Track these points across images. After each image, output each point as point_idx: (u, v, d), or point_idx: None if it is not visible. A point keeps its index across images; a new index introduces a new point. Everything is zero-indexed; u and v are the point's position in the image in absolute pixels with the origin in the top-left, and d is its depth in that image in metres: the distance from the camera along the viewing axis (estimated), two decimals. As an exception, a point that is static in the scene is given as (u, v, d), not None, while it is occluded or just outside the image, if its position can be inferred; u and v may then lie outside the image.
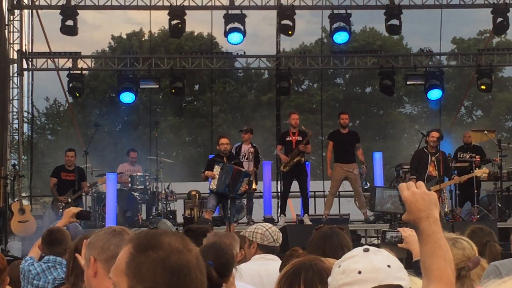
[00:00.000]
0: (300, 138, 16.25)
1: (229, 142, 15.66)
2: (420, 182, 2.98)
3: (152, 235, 2.45)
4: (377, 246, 3.12)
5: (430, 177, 15.39)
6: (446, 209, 16.00)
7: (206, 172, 15.26)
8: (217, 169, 14.91)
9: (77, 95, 21.22)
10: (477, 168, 16.44)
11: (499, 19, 20.21)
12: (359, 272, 2.72)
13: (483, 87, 21.09)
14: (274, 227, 6.53)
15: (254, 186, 16.75)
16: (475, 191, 16.85)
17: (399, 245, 4.56)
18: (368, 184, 17.42)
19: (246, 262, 6.18)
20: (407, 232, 4.78)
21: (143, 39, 44.25)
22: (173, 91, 21.09)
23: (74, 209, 5.80)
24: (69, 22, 19.69)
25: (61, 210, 16.20)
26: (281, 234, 6.43)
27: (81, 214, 5.93)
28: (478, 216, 16.78)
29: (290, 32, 20.38)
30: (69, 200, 16.48)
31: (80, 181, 16.83)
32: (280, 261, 5.34)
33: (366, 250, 2.79)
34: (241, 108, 45.13)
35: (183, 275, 2.36)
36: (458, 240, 4.72)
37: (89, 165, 17.65)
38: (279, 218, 16.84)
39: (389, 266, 2.74)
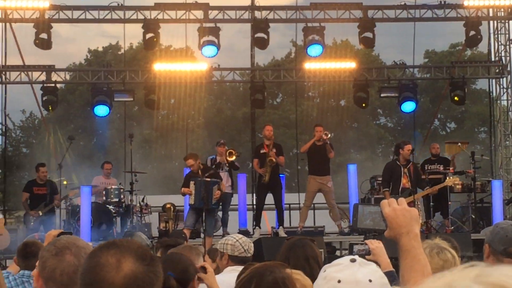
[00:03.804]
0: (274, 150, 16.28)
1: (195, 160, 15.43)
2: (401, 199, 3.01)
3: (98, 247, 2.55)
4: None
5: (404, 189, 15.43)
6: (420, 221, 16.02)
7: (183, 189, 15.36)
8: (192, 185, 14.97)
9: (50, 108, 20.97)
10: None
11: (472, 32, 20.30)
12: (339, 281, 2.71)
13: (456, 99, 21.08)
14: (244, 237, 6.55)
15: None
16: (449, 203, 16.98)
17: (366, 257, 4.53)
18: None
19: (218, 274, 6.16)
20: (374, 244, 4.76)
21: (119, 53, 44.09)
22: (147, 104, 21.00)
23: (54, 232, 5.70)
24: (43, 36, 19.56)
25: (32, 223, 16.20)
26: (252, 245, 6.45)
27: (62, 235, 5.81)
28: (452, 227, 16.89)
29: (264, 45, 20.38)
30: (40, 213, 16.45)
31: (52, 194, 16.82)
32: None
33: (353, 261, 2.78)
34: (217, 123, 45.06)
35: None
36: (444, 250, 4.63)
37: (63, 178, 17.55)
38: (254, 230, 16.85)
39: (370, 280, 2.73)
